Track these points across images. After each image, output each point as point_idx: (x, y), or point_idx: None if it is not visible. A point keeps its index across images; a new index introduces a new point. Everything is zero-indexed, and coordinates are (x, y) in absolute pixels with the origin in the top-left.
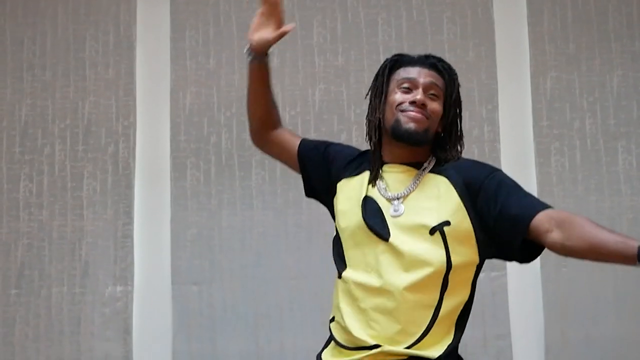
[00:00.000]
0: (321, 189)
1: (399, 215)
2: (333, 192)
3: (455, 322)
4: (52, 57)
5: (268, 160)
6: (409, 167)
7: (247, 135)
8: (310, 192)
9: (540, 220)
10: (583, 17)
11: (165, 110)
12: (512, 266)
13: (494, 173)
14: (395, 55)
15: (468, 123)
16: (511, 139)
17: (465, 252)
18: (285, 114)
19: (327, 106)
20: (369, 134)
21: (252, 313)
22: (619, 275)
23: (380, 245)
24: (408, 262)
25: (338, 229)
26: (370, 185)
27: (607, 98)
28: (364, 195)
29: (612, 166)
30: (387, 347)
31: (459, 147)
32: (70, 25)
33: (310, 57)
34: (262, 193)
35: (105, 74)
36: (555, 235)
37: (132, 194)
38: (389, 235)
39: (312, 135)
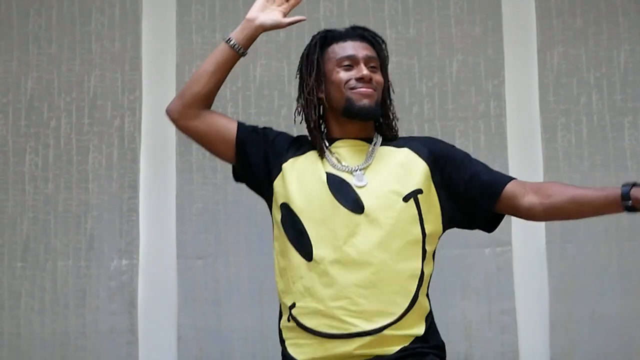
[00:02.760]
0: (259, 172)
1: (363, 186)
2: (275, 173)
3: (427, 293)
4: (58, 30)
5: None
6: (360, 142)
7: (252, 110)
8: (242, 175)
9: (515, 186)
10: None
11: (171, 84)
12: (518, 242)
13: (458, 148)
14: (323, 32)
15: (474, 98)
16: (517, 114)
17: (434, 221)
18: (291, 88)
19: None
20: (307, 113)
21: (257, 288)
22: (624, 252)
23: (354, 217)
24: (386, 231)
25: (294, 210)
26: (322, 161)
27: (614, 73)
28: (324, 172)
29: (619, 142)
30: (386, 333)
31: (393, 115)
32: None
33: (316, 31)
34: None
35: (111, 48)
36: (532, 198)
37: (138, 168)
38: (363, 206)
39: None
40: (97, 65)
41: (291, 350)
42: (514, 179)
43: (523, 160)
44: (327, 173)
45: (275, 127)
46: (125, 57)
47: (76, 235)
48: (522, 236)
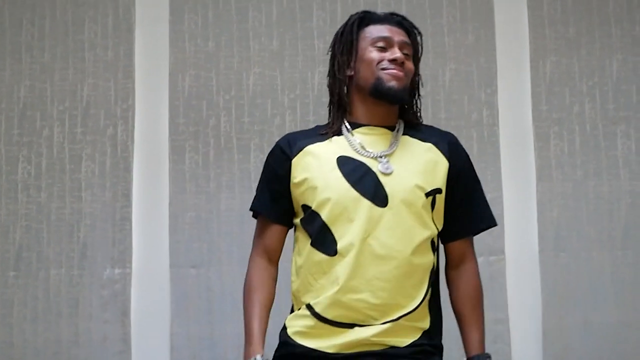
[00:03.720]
0: (289, 198)
1: (389, 174)
2: (287, 181)
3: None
4: (51, 39)
5: (267, 143)
6: (384, 130)
7: (245, 119)
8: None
9: (457, 248)
10: (583, 1)
11: (164, 93)
12: (511, 250)
13: (469, 157)
14: (361, 12)
15: (467, 107)
16: (510, 123)
17: (440, 219)
18: (284, 97)
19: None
20: (335, 91)
21: None
22: (617, 261)
23: (377, 210)
24: (409, 226)
25: (313, 209)
26: (335, 144)
27: (607, 82)
28: (335, 158)
29: (611, 150)
30: (401, 322)
31: (419, 107)
32: (69, 7)
33: (310, 40)
34: None
35: (104, 56)
36: (450, 274)
37: (131, 177)
38: (387, 198)
39: (311, 120)
40: (90, 74)
41: (302, 341)
42: (467, 236)
43: (516, 168)
44: (339, 157)
45: (268, 136)
46: (118, 65)
47: (69, 243)
48: (515, 245)
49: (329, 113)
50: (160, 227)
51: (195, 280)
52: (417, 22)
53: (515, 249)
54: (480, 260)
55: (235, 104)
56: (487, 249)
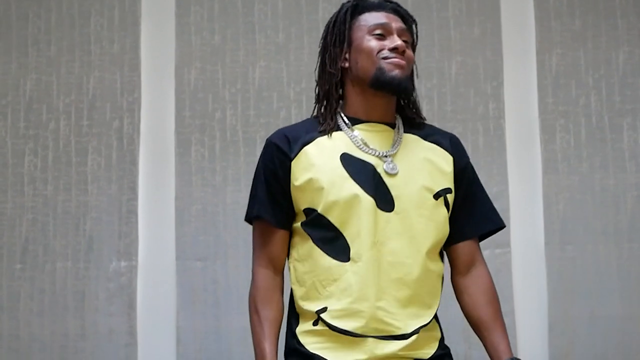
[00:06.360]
0: (289, 198)
1: (395, 174)
2: (288, 182)
3: None
4: (57, 32)
5: None
6: (384, 126)
7: (251, 112)
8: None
9: (464, 251)
10: None
11: (170, 86)
12: (517, 243)
13: (469, 159)
14: (354, 1)
15: (473, 100)
16: (516, 116)
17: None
18: (290, 90)
19: None
20: (324, 86)
21: None
22: (623, 253)
23: (384, 214)
24: (419, 230)
25: (320, 211)
26: (335, 141)
27: (613, 75)
28: (338, 156)
29: (617, 143)
30: (422, 334)
31: (417, 100)
32: (75, 0)
33: (315, 33)
34: None
35: (110, 49)
36: (460, 281)
37: (137, 170)
38: (393, 202)
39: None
40: (96, 67)
41: (324, 354)
42: (473, 237)
43: (522, 161)
44: (343, 154)
45: (274, 129)
46: (124, 58)
47: (75, 236)
48: (521, 237)
49: (316, 109)
50: (167, 220)
51: (201, 273)
52: (423, 15)
53: (521, 242)
54: (485, 253)
55: (241, 97)
56: (492, 241)
